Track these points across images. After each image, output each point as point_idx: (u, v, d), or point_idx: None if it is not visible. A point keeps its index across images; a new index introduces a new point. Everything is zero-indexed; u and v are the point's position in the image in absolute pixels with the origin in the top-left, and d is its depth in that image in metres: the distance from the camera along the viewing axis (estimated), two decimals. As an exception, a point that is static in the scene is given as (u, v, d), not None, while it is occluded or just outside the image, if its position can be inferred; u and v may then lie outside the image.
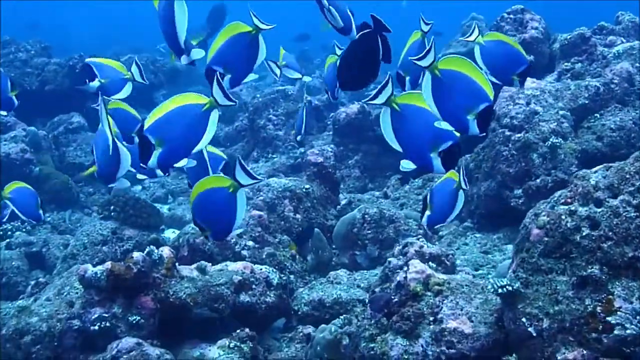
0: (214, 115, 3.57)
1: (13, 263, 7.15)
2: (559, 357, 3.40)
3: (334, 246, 6.61)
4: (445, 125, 3.39)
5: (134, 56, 13.28)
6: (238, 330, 4.82)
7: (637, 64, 7.04)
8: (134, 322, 4.78)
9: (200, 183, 3.66)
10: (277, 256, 6.11)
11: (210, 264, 5.39)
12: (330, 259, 6.44)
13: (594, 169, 3.73)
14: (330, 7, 3.53)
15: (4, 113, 3.99)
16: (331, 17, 3.47)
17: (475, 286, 4.13)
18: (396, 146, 3.51)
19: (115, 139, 4.03)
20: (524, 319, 3.54)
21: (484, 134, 3.50)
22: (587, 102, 6.76)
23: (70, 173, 9.55)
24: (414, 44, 3.90)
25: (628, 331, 3.23)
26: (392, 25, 3.44)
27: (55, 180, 9.14)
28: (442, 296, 4.02)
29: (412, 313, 3.98)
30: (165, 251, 5.06)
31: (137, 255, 4.87)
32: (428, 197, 4.54)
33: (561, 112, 6.52)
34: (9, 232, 7.92)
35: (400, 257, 4.86)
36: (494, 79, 4.01)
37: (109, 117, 4.01)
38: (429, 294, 4.05)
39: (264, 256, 6.03)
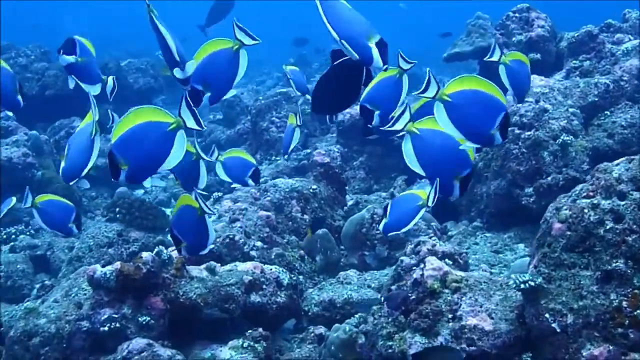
0: (180, 136, 3.39)
1: (18, 266, 7.07)
2: (584, 354, 3.34)
3: (342, 247, 6.54)
4: (469, 145, 3.47)
5: (134, 60, 13.29)
6: (251, 330, 4.75)
7: (646, 61, 7.00)
8: (144, 322, 4.70)
9: (181, 198, 3.67)
10: (286, 256, 6.04)
11: (219, 264, 5.31)
12: (339, 259, 6.37)
13: (615, 162, 3.67)
14: (343, 41, 3.41)
15: (10, 113, 3.89)
16: (347, 51, 3.37)
17: (494, 283, 4.06)
18: (420, 172, 3.48)
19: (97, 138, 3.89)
20: (547, 315, 3.48)
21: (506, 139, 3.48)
22: (596, 99, 6.71)
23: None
24: (387, 80, 3.76)
25: (656, 326, 3.18)
26: (390, 26, 3.37)
27: (57, 185, 9.04)
28: (460, 293, 3.95)
29: (430, 310, 3.92)
30: (174, 251, 4.98)
31: (146, 255, 4.80)
32: (389, 206, 4.51)
33: (571, 110, 6.46)
34: (13, 236, 7.85)
35: (413, 255, 4.81)
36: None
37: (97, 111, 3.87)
38: (446, 291, 3.99)
39: (272, 256, 5.96)
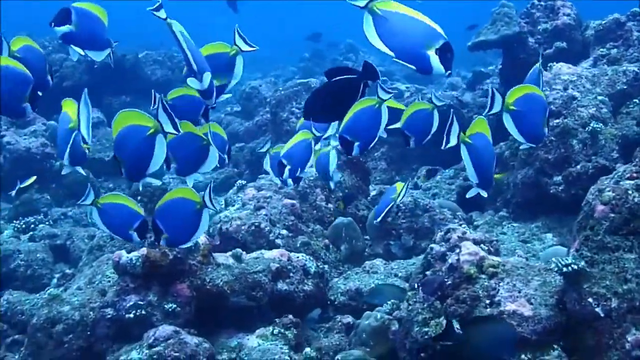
0: (160, 140, 3.38)
1: (38, 255, 7.00)
2: (629, 338, 3.25)
3: (366, 236, 6.45)
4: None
5: (151, 52, 13.21)
6: (282, 317, 4.67)
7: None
8: (170, 310, 4.65)
9: (176, 190, 3.68)
10: (312, 245, 5.94)
11: (244, 252, 5.23)
12: (364, 248, 6.28)
13: (660, 143, 3.57)
14: (397, 59, 3.28)
15: (40, 93, 3.78)
16: (403, 66, 3.27)
17: (532, 268, 3.95)
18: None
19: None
20: (590, 299, 3.38)
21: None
22: (625, 87, 6.58)
23: (90, 168, 9.40)
24: (365, 110, 3.67)
25: None
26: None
27: (76, 175, 8.99)
28: (497, 278, 3.85)
29: (467, 296, 3.82)
30: (201, 238, 4.89)
31: (172, 241, 4.72)
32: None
33: (599, 98, 6.34)
34: (32, 225, 7.79)
35: (443, 243, 4.69)
36: None
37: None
38: (483, 276, 3.89)
39: (298, 245, 5.87)
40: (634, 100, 6.45)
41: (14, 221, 7.97)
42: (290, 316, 4.69)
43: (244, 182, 7.02)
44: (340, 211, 6.30)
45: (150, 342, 4.30)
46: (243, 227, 5.76)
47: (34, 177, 5.75)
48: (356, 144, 3.64)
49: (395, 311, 4.48)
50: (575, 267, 3.42)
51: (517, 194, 6.57)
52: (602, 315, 3.33)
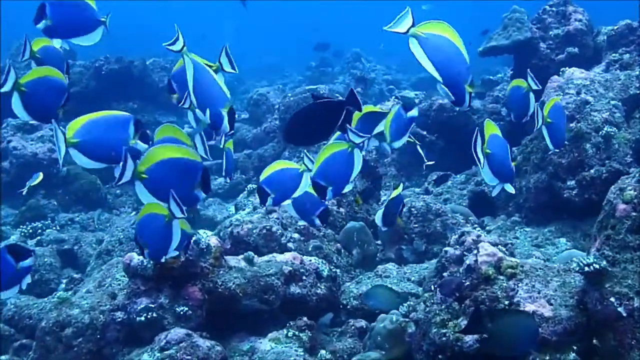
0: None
1: (45, 260, 6.94)
2: (652, 339, 3.18)
3: (378, 241, 6.39)
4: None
5: (159, 59, 13.19)
6: (296, 319, 4.62)
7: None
8: (182, 313, 4.59)
9: (146, 206, 3.61)
10: (324, 249, 5.88)
11: (256, 255, 5.17)
12: (376, 253, 6.23)
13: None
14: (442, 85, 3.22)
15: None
16: (445, 93, 3.21)
17: (550, 269, 3.89)
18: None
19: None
20: (612, 299, 3.31)
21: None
22: (638, 92, 6.54)
23: (97, 174, 9.35)
24: (338, 154, 3.63)
25: None
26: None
27: (83, 181, 8.96)
28: (516, 279, 3.78)
29: (486, 297, 3.75)
30: (213, 240, 4.84)
31: (184, 243, 4.66)
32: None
33: (612, 102, 6.30)
34: (39, 230, 7.74)
35: (457, 246, 4.64)
36: None
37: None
38: (501, 277, 3.82)
39: (310, 249, 5.81)
40: (647, 104, 6.42)
41: (21, 226, 7.92)
42: (305, 318, 4.64)
43: (254, 186, 6.97)
44: (356, 208, 6.24)
45: (162, 345, 4.25)
46: (254, 231, 5.70)
47: (41, 174, 5.70)
48: (329, 188, 3.60)
49: (412, 313, 4.42)
50: (597, 266, 3.36)
51: (530, 199, 6.51)
52: (624, 315, 3.27)
